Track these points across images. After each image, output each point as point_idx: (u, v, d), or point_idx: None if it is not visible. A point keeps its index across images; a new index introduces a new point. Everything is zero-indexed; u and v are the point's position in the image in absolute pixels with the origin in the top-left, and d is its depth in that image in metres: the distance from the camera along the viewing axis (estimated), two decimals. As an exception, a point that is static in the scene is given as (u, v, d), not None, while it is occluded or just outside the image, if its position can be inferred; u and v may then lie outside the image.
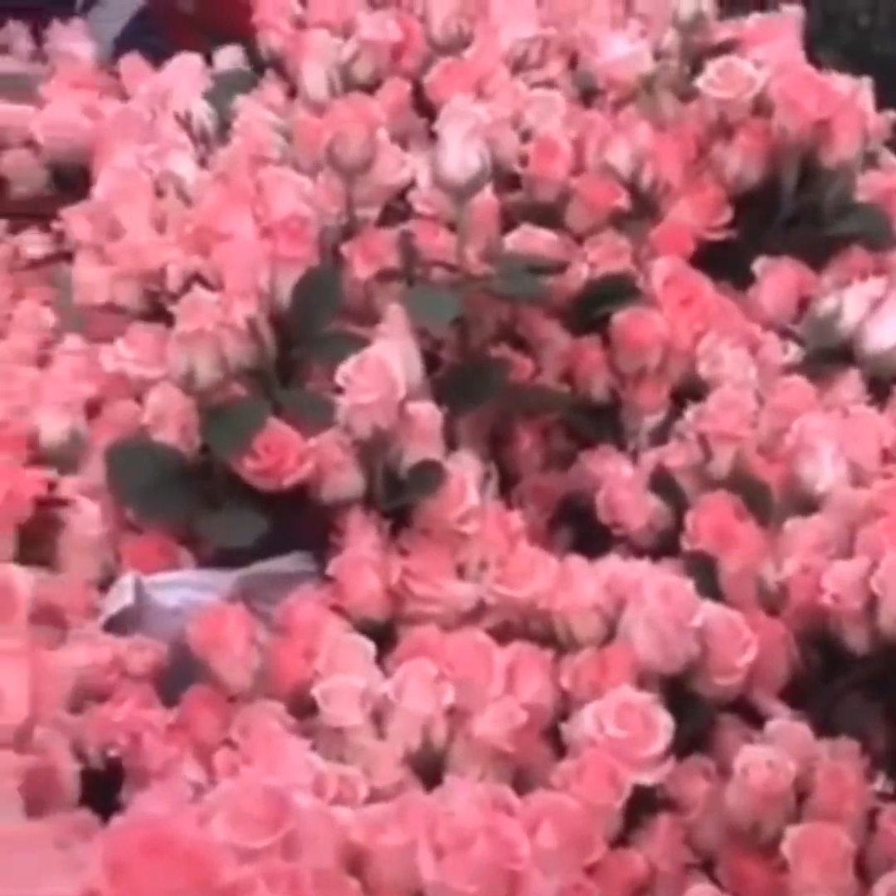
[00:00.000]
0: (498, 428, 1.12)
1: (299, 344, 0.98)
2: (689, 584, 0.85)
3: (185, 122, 1.22)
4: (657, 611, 0.83)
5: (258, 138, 1.19)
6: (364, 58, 1.29)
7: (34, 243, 1.38)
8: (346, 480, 0.93)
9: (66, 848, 0.60)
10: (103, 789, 0.83)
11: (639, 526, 1.00)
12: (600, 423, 1.13)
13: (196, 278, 1.04)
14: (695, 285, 1.14)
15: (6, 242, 1.37)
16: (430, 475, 0.92)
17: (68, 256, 1.27)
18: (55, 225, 1.32)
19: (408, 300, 0.99)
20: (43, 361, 1.14)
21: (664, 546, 1.00)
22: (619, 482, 1.02)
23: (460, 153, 1.02)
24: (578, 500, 1.10)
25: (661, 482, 1.01)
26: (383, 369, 0.92)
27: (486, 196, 1.14)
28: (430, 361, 1.08)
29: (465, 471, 0.94)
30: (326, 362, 0.96)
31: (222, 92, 1.36)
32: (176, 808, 0.59)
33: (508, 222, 1.19)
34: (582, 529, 1.09)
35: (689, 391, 1.10)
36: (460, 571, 0.94)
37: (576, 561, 0.90)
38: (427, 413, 0.93)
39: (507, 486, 1.12)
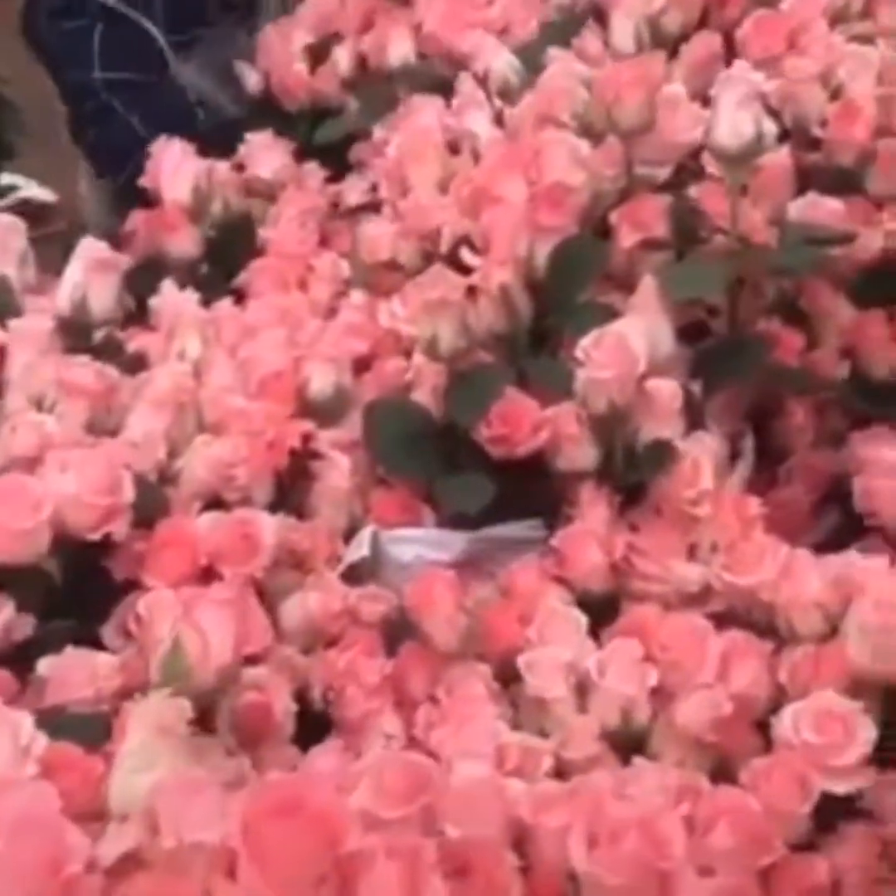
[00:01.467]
0: (769, 400, 1.10)
1: (553, 312, 0.99)
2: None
3: (481, 78, 1.24)
4: (871, 616, 0.79)
5: (553, 95, 1.19)
6: (673, 10, 1.27)
7: (353, 191, 1.44)
8: (580, 453, 0.93)
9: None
10: (323, 732, 0.88)
11: (893, 517, 0.96)
12: (879, 401, 1.08)
13: (465, 240, 1.07)
14: None
15: (324, 192, 1.43)
16: (664, 454, 0.92)
17: (379, 207, 1.33)
18: (370, 175, 1.38)
19: (667, 273, 0.97)
20: (331, 313, 1.20)
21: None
22: (878, 468, 0.98)
23: (732, 120, 0.99)
24: (847, 482, 1.06)
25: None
26: (623, 345, 0.91)
27: (780, 157, 1.12)
28: (701, 332, 1.08)
29: (705, 451, 0.93)
30: (578, 333, 0.97)
31: (550, 38, 1.37)
32: (328, 771, 0.62)
33: (806, 184, 1.16)
34: (850, 513, 1.06)
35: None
36: (690, 553, 0.93)
37: (803, 554, 0.87)
38: (667, 391, 0.92)
39: (776, 461, 1.10)
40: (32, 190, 1.45)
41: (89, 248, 1.03)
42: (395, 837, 0.61)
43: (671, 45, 1.26)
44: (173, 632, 0.76)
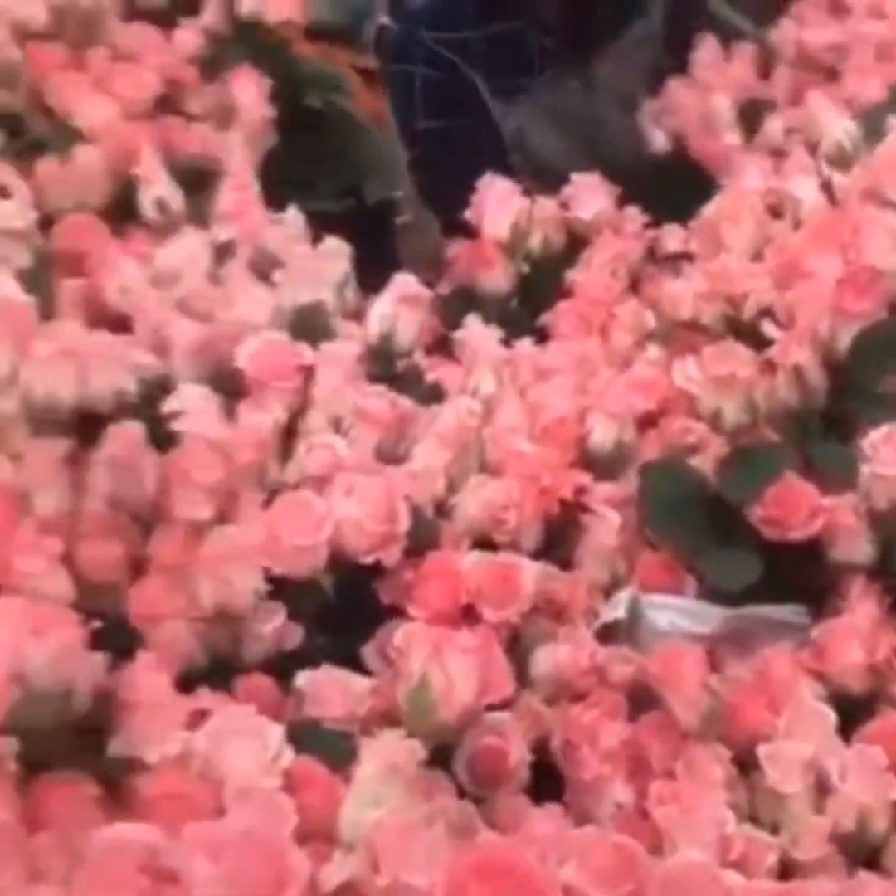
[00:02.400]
0: None
1: (849, 399, 0.98)
2: None
3: (812, 144, 1.22)
4: None
5: (881, 168, 1.17)
6: None
7: (671, 238, 1.45)
8: (856, 546, 0.92)
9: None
10: (556, 783, 0.90)
11: None
12: None
13: (769, 312, 1.06)
14: None
15: (642, 237, 1.44)
16: (941, 560, 0.89)
17: (694, 258, 1.33)
18: (692, 224, 1.38)
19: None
20: (626, 364, 1.21)
21: None
22: None
23: None
24: None
25: None
26: (913, 444, 0.89)
27: None
28: None
29: None
30: (872, 423, 0.95)
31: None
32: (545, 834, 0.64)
33: None
34: None
35: None
36: (960, 664, 0.90)
37: None
38: (954, 496, 0.90)
39: None
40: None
41: (401, 282, 1.08)
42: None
43: None
44: (423, 668, 0.79)
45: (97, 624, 0.75)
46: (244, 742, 0.75)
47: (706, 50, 1.60)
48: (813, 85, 1.44)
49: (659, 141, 1.54)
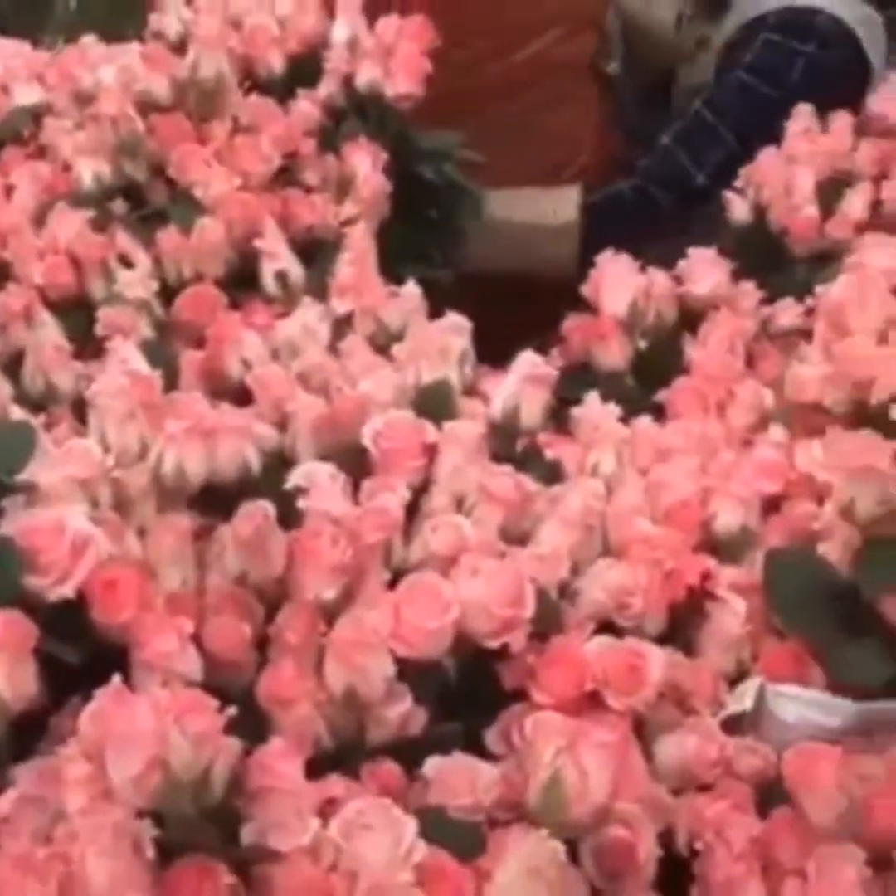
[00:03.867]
0: None
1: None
2: None
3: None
4: None
5: None
6: None
7: (786, 314, 1.44)
8: None
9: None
10: (684, 878, 0.89)
11: None
12: None
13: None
14: None
15: (757, 313, 1.44)
16: None
17: (810, 335, 1.32)
18: (809, 300, 1.37)
19: None
20: (747, 444, 1.20)
21: None
22: None
23: None
24: None
25: None
26: None
27: None
28: None
29: None
30: None
31: None
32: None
33: None
34: None
35: None
36: None
37: None
38: None
39: None
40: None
41: (525, 360, 1.08)
42: None
43: None
44: (555, 763, 0.78)
45: (233, 709, 0.75)
46: (377, 835, 0.75)
47: (799, 121, 1.60)
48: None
49: (740, 212, 1.54)
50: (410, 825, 0.75)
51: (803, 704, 0.94)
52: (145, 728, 0.67)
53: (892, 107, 1.62)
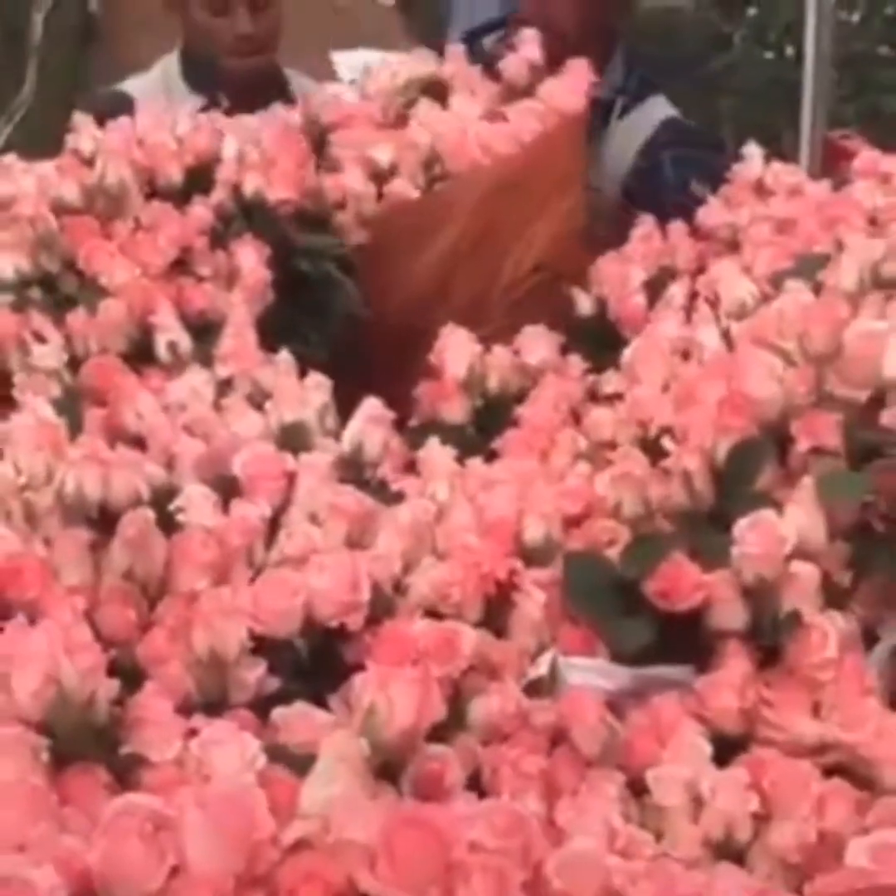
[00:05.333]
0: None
1: (728, 497, 1.20)
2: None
3: (713, 302, 1.46)
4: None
5: (768, 320, 1.41)
6: (893, 260, 1.47)
7: (609, 383, 1.68)
8: (730, 614, 1.13)
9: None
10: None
11: None
12: None
13: (670, 430, 1.29)
14: None
15: (583, 381, 1.68)
16: (796, 624, 1.10)
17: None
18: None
19: (822, 474, 1.17)
20: (561, 479, 1.43)
21: None
22: None
23: (900, 359, 1.19)
24: None
25: None
26: (773, 529, 1.11)
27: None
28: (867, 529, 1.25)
29: (832, 626, 1.10)
30: (744, 515, 1.17)
31: (801, 272, 1.58)
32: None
33: None
34: None
35: None
36: (815, 711, 1.10)
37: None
38: (806, 572, 1.11)
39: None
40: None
41: (369, 405, 1.32)
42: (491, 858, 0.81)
43: (890, 289, 1.46)
44: (371, 697, 0.99)
45: (113, 653, 0.96)
46: (227, 749, 0.95)
47: (643, 227, 1.86)
48: (714, 255, 1.70)
49: (584, 305, 1.78)
50: (254, 742, 0.95)
51: (587, 671, 1.15)
52: (40, 651, 0.88)
53: (711, 218, 1.89)
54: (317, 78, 2.26)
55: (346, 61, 2.59)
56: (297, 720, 1.07)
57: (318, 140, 1.88)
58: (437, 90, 1.92)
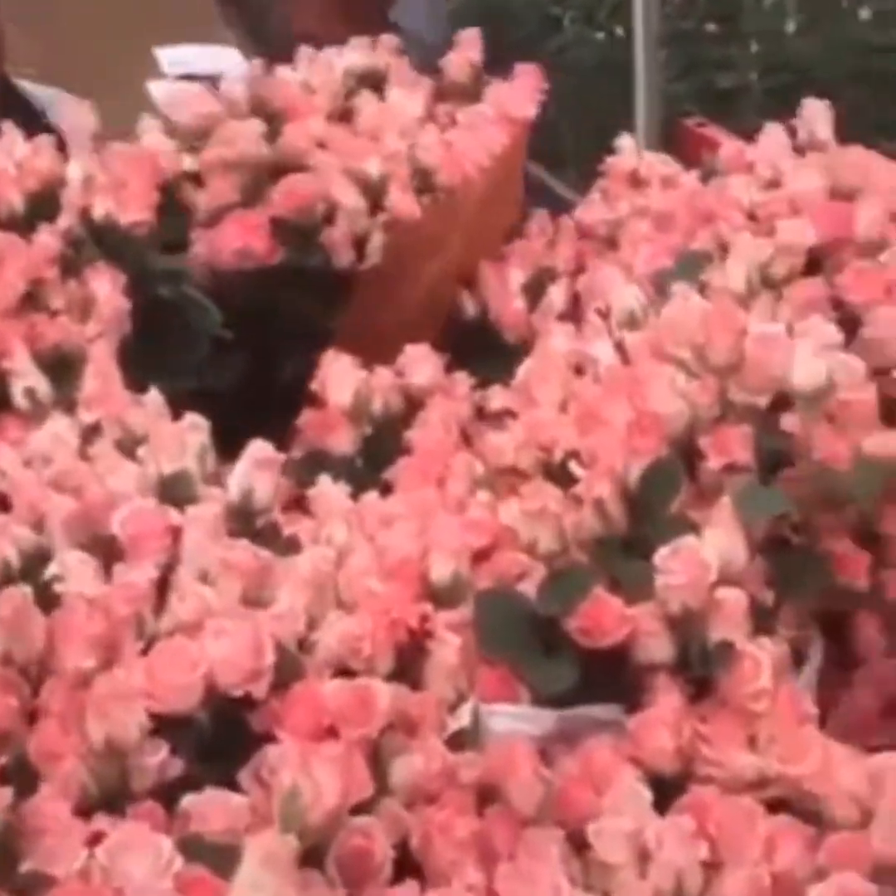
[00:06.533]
0: (843, 612, 1.22)
1: (643, 524, 1.14)
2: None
3: (604, 312, 1.41)
4: (890, 809, 0.90)
5: (664, 329, 1.36)
6: (781, 258, 1.44)
7: (496, 398, 1.62)
8: (658, 647, 1.07)
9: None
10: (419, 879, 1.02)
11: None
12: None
13: (575, 454, 1.23)
14: None
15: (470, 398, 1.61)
16: (727, 654, 1.05)
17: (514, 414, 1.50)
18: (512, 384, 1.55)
19: (738, 492, 1.12)
20: (461, 508, 1.36)
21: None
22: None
23: (808, 366, 1.15)
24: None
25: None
26: (696, 556, 1.06)
27: (866, 393, 1.26)
28: (783, 543, 1.21)
29: (766, 653, 1.06)
30: (663, 541, 1.11)
31: (684, 272, 1.54)
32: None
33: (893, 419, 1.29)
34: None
35: None
36: (751, 743, 1.05)
37: (841, 749, 0.99)
38: (733, 598, 1.06)
39: (853, 666, 1.22)
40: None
41: (256, 448, 1.23)
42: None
43: (779, 288, 1.42)
44: (292, 778, 0.91)
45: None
46: (138, 854, 0.86)
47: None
48: (594, 254, 1.65)
49: (469, 309, 1.72)
50: (166, 842, 0.87)
51: (511, 718, 1.09)
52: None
53: (589, 215, 1.84)
54: (135, 75, 2.15)
55: (170, 57, 2.48)
56: (210, 807, 0.98)
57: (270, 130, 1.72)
58: (374, 82, 1.82)
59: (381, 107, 1.77)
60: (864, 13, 5.31)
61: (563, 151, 4.92)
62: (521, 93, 1.80)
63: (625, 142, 1.84)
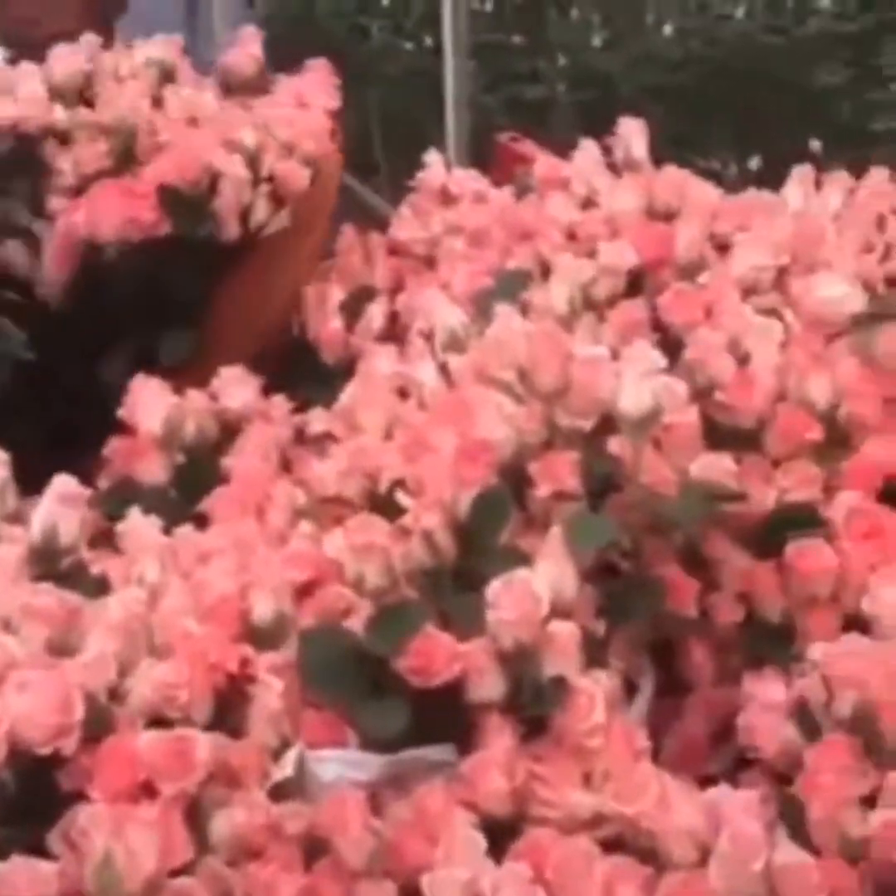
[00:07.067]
0: (672, 638, 1.20)
1: (474, 555, 1.11)
2: (758, 826, 0.91)
3: (427, 334, 1.37)
4: (726, 847, 0.89)
5: (489, 351, 1.33)
6: (603, 279, 1.42)
7: (317, 421, 1.56)
8: (489, 685, 1.04)
9: None
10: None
11: (772, 752, 1.06)
12: (771, 644, 1.19)
13: (402, 483, 1.19)
14: (878, 520, 1.19)
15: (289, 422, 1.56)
16: (562, 690, 1.02)
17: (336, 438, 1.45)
18: (334, 407, 1.50)
19: (571, 522, 1.10)
20: (283, 540, 1.31)
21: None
22: (760, 705, 1.08)
23: (634, 391, 1.13)
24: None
25: (800, 712, 1.06)
26: (527, 590, 1.03)
27: (689, 416, 1.25)
28: (614, 571, 1.19)
29: (600, 687, 1.03)
30: (496, 574, 1.08)
31: (504, 291, 1.51)
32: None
33: (716, 440, 1.28)
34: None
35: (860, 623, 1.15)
36: (586, 781, 1.03)
37: (677, 785, 0.97)
38: (566, 632, 1.04)
39: (681, 693, 1.20)
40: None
41: (60, 483, 1.16)
42: None
43: (601, 310, 1.41)
44: (105, 845, 0.85)
45: None
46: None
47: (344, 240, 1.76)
48: (412, 272, 1.62)
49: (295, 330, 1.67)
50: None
51: (338, 764, 1.04)
52: None
53: (406, 231, 1.80)
54: None
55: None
56: (17, 874, 0.91)
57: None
58: (170, 75, 1.73)
59: (186, 97, 1.69)
60: (668, 29, 5.45)
61: (373, 160, 4.91)
62: (316, 85, 1.73)
63: (433, 157, 1.81)
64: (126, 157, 1.61)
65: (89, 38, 1.73)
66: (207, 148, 1.57)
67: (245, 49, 1.78)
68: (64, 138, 1.63)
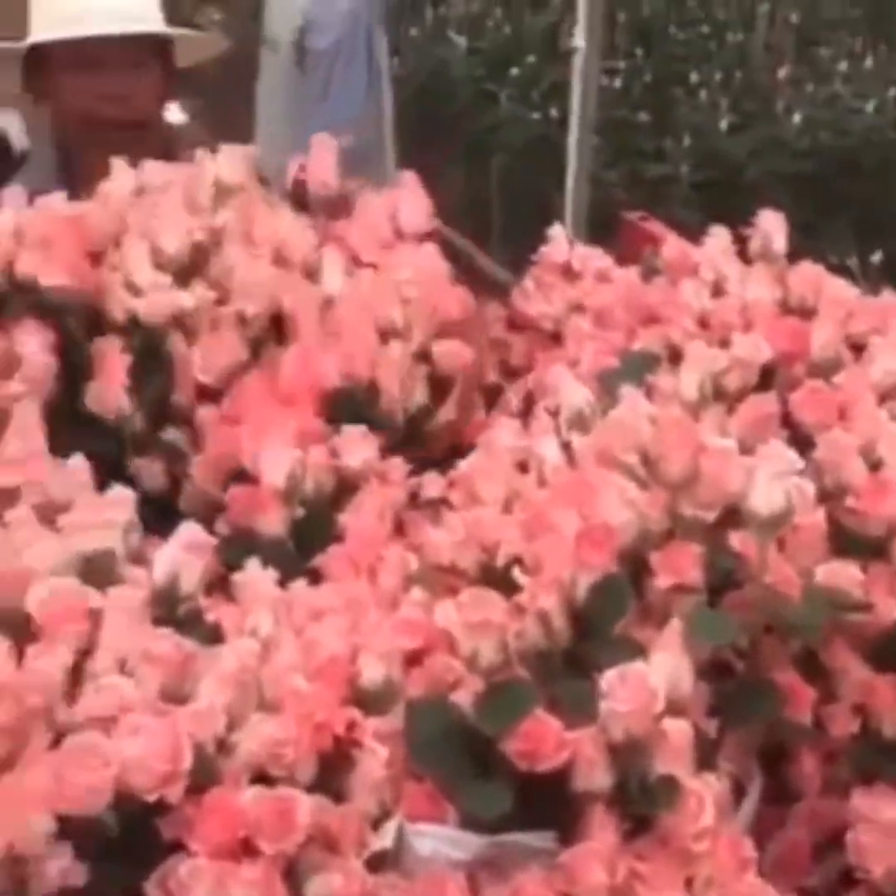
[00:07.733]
0: (782, 744, 1.18)
1: (589, 640, 1.10)
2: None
3: (553, 411, 1.37)
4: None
5: (614, 434, 1.32)
6: (736, 370, 1.41)
7: (432, 485, 1.56)
8: (596, 776, 1.02)
9: None
10: None
11: (879, 872, 1.03)
12: (886, 760, 1.16)
13: (519, 559, 1.18)
14: None
15: (405, 484, 1.56)
16: (671, 789, 1.00)
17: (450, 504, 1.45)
18: (451, 473, 1.50)
19: (692, 617, 1.08)
20: (394, 603, 1.30)
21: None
22: (873, 825, 1.06)
23: (766, 491, 1.12)
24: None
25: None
26: (643, 683, 1.02)
27: (816, 519, 1.23)
28: (727, 670, 1.17)
29: (710, 790, 1.01)
30: (610, 663, 1.07)
31: (630, 373, 1.50)
32: None
33: (841, 544, 1.26)
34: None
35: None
36: (688, 885, 1.01)
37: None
38: (679, 731, 1.02)
39: (788, 801, 1.18)
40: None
41: (187, 529, 1.17)
42: None
43: (731, 401, 1.40)
44: (206, 901, 0.85)
45: None
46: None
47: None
48: (540, 347, 1.62)
49: None
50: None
51: (437, 840, 1.03)
52: None
53: (528, 306, 1.79)
54: None
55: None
56: (113, 922, 0.91)
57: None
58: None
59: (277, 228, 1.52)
60: (796, 118, 5.44)
61: (489, 224, 4.94)
62: (410, 206, 1.57)
63: (556, 230, 1.81)
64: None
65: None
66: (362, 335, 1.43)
67: (322, 162, 1.61)
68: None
